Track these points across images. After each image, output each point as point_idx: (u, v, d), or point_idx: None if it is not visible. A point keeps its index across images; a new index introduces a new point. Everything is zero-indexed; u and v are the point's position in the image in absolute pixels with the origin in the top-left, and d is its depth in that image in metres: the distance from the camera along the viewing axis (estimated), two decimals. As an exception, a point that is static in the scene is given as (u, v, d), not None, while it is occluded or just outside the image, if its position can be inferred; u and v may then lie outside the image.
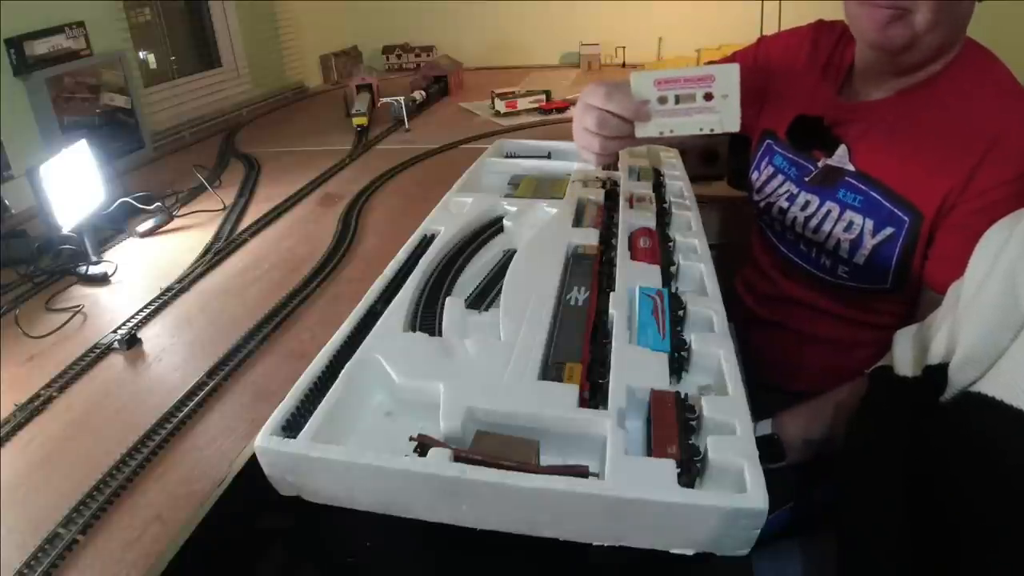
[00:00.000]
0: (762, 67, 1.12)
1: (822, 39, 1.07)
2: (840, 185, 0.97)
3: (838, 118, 0.99)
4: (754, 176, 1.12)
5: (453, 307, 0.75)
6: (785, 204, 1.04)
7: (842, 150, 0.97)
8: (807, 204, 1.01)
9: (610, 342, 0.66)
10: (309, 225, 1.37)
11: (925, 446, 0.65)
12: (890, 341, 0.77)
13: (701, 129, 0.83)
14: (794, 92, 1.06)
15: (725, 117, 0.82)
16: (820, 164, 0.99)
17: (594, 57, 2.93)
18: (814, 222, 0.99)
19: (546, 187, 1.11)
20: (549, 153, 1.32)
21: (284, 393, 0.61)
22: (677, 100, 0.83)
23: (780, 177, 1.06)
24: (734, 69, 0.81)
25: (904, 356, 0.74)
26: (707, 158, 1.67)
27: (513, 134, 2.00)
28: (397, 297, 0.76)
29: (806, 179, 1.01)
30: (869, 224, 0.93)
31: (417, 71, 2.78)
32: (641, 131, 0.85)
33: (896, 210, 0.91)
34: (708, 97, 0.82)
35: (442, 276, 0.83)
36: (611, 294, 0.73)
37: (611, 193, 1.04)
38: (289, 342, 0.96)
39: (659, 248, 0.84)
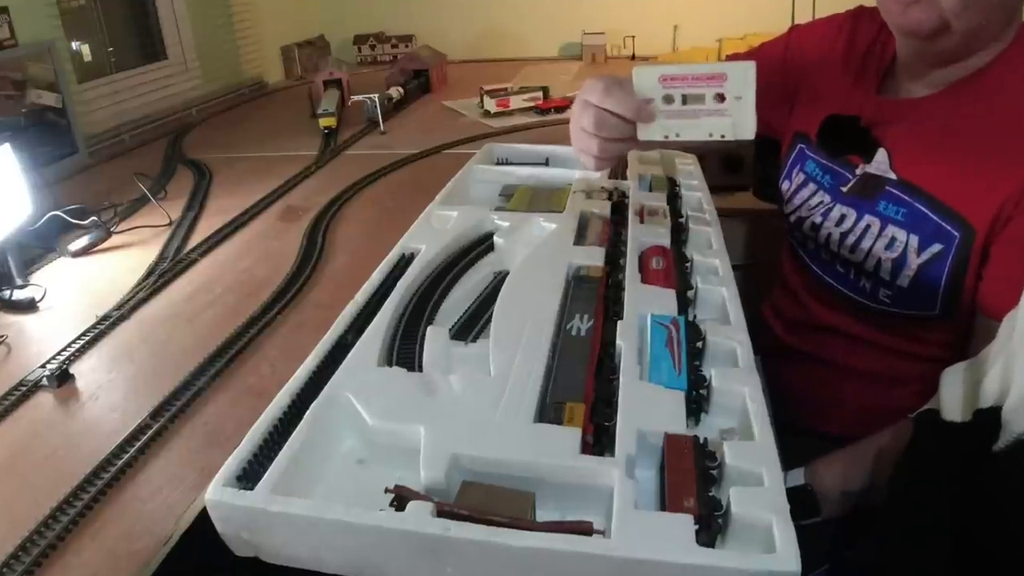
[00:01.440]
0: (794, 60, 1.14)
1: (861, 27, 1.08)
2: (880, 196, 0.98)
3: (877, 117, 1.00)
4: (784, 186, 1.14)
5: (436, 338, 0.76)
6: (819, 219, 1.05)
7: (881, 155, 0.98)
8: (843, 218, 1.02)
9: (617, 378, 0.67)
10: (269, 242, 1.38)
11: (976, 499, 0.65)
12: (938, 376, 0.78)
13: (711, 135, 0.84)
14: (829, 88, 1.08)
15: (738, 122, 0.83)
16: (858, 171, 1.01)
17: (599, 48, 2.96)
18: (851, 239, 1.01)
19: (543, 199, 1.12)
20: (547, 159, 1.33)
21: (240, 437, 0.61)
22: (684, 100, 0.83)
23: (812, 186, 1.08)
24: (749, 68, 0.81)
25: (953, 399, 0.74)
26: (730, 165, 1.69)
27: (505, 137, 2.02)
28: (371, 326, 0.76)
29: (842, 189, 1.03)
30: (914, 240, 0.94)
31: (394, 64, 2.80)
32: (644, 133, 0.86)
33: (944, 224, 0.92)
34: (720, 98, 0.82)
35: (423, 302, 0.84)
36: (619, 323, 0.74)
37: (619, 206, 1.05)
38: (246, 378, 0.96)
39: (674, 270, 0.85)
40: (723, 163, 1.69)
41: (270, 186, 1.67)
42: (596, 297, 0.81)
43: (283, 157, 1.91)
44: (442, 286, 0.88)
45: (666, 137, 0.85)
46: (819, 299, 1.11)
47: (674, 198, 1.08)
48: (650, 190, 1.11)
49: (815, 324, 1.12)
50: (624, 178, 1.16)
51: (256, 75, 2.86)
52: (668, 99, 0.84)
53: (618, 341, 0.72)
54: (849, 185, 1.02)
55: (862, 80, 1.05)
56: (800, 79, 1.13)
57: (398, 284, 0.85)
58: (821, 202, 1.06)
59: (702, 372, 0.68)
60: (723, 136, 0.83)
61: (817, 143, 1.08)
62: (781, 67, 1.15)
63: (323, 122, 2.09)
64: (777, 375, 1.14)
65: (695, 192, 1.09)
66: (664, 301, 0.78)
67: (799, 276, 1.16)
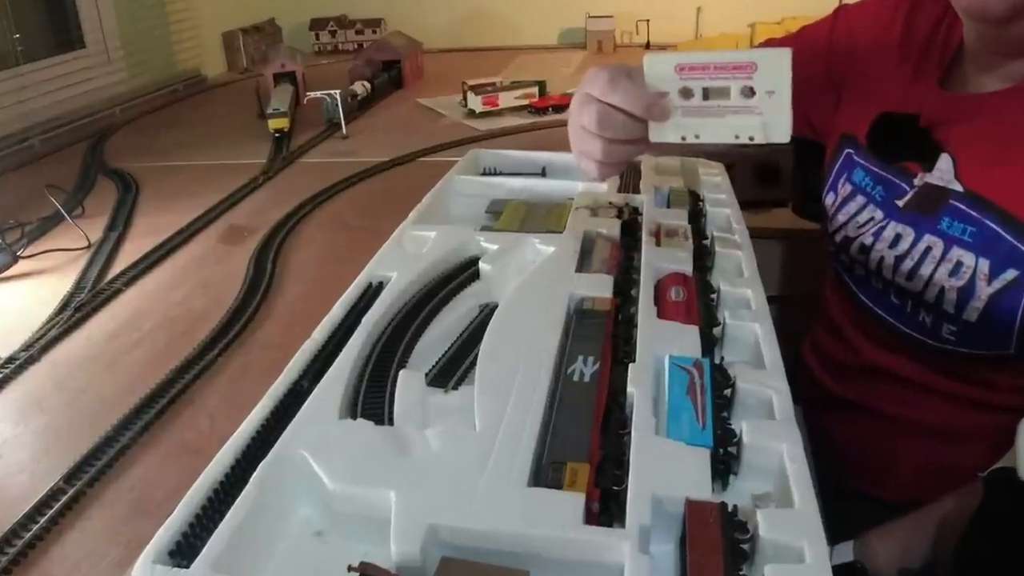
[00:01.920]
0: (841, 47, 1.14)
1: (922, 9, 1.08)
2: (943, 211, 0.98)
3: (940, 116, 1.00)
4: (828, 199, 1.14)
5: (410, 384, 0.76)
6: (869, 239, 1.06)
7: (945, 162, 0.98)
8: (898, 238, 1.02)
9: (629, 433, 0.67)
10: (208, 269, 1.38)
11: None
12: (1014, 428, 0.79)
13: (737, 136, 0.83)
14: (882, 81, 1.08)
15: (770, 121, 0.82)
16: (917, 182, 1.01)
17: (606, 35, 2.99)
18: (908, 263, 1.01)
19: (539, 216, 1.13)
20: (544, 169, 1.34)
21: (173, 504, 0.61)
22: (706, 94, 0.83)
23: (861, 199, 1.08)
24: (784, 56, 0.80)
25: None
26: (765, 175, 1.70)
27: (493, 142, 2.03)
28: (331, 370, 0.76)
29: (898, 202, 1.03)
30: (984, 265, 0.94)
31: (359, 54, 2.82)
32: (656, 133, 0.86)
33: (1021, 245, 0.92)
34: (748, 92, 0.82)
35: (394, 341, 0.84)
36: (630, 366, 0.74)
37: (630, 225, 1.06)
38: (180, 432, 0.96)
39: (697, 302, 0.85)
40: (756, 173, 1.70)
41: (210, 201, 1.67)
42: (603, 335, 0.81)
43: (225, 166, 1.92)
44: (417, 322, 0.88)
45: (683, 138, 0.85)
46: (869, 337, 1.12)
47: (697, 215, 1.08)
48: (668, 206, 1.12)
49: (865, 367, 1.12)
50: (637, 191, 1.16)
51: (193, 67, 2.88)
52: (686, 93, 0.83)
53: (629, 388, 0.72)
54: (906, 198, 1.02)
55: (922, 71, 1.05)
56: (848, 70, 1.13)
57: (364, 319, 0.85)
58: (872, 219, 1.06)
59: (731, 426, 0.68)
60: (752, 138, 0.83)
61: (867, 147, 1.08)
62: (826, 55, 1.15)
63: (273, 124, 2.11)
64: (820, 428, 1.15)
65: (722, 208, 1.10)
66: (685, 340, 0.78)
67: (845, 309, 1.16)
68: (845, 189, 1.11)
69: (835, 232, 1.12)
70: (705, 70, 0.82)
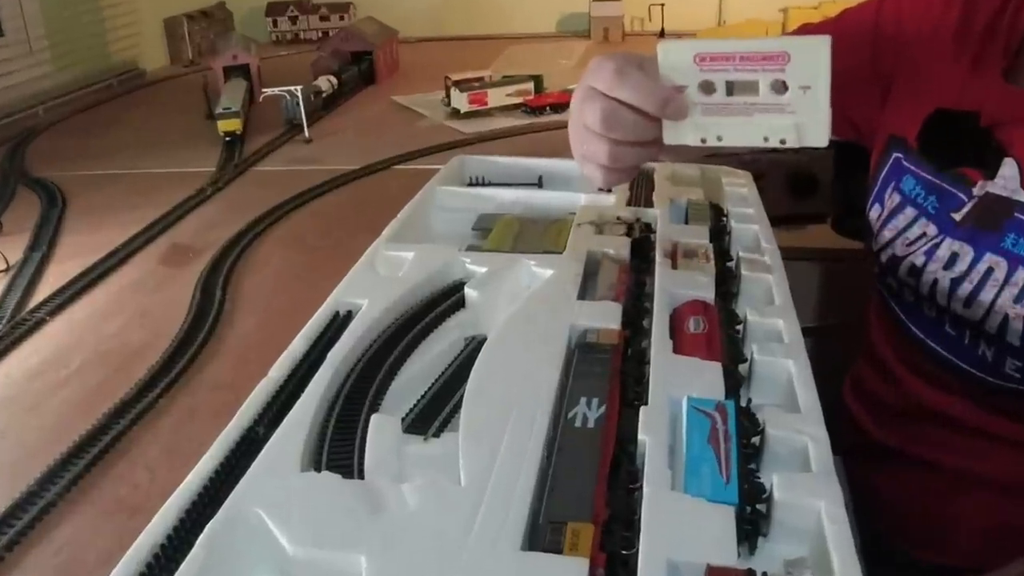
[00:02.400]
0: (888, 34, 1.14)
1: None
2: (1008, 226, 0.98)
3: (1003, 114, 1.00)
4: (873, 212, 1.14)
5: (383, 431, 0.76)
6: (920, 258, 1.06)
7: (1009, 167, 0.98)
8: (955, 258, 1.02)
9: (640, 488, 0.67)
10: (148, 296, 1.38)
11: None
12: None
13: (766, 139, 0.82)
14: (936, 73, 1.08)
15: (805, 123, 0.81)
16: (976, 191, 1.01)
17: (614, 22, 3.01)
18: (966, 287, 1.01)
19: (535, 234, 1.14)
20: (540, 178, 1.35)
21: (107, 571, 0.60)
22: (730, 89, 0.82)
23: (911, 211, 1.08)
24: (822, 45, 0.79)
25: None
26: (800, 185, 1.71)
27: (481, 147, 2.04)
28: (291, 414, 0.76)
29: (954, 215, 1.03)
30: (1055, 291, 0.95)
31: (324, 44, 2.83)
32: (672, 134, 0.85)
33: (1099, 268, 0.93)
34: (780, 87, 0.80)
35: (365, 380, 0.84)
36: (641, 409, 0.74)
37: (641, 244, 1.06)
38: (115, 487, 0.96)
39: (720, 334, 0.85)
40: (789, 183, 1.70)
41: (149, 216, 1.67)
42: (609, 373, 0.81)
43: (167, 175, 1.93)
44: (392, 358, 0.88)
45: (703, 141, 0.84)
46: (920, 374, 1.12)
47: (720, 233, 1.09)
48: (686, 222, 1.12)
49: (915, 410, 1.12)
50: (649, 204, 1.17)
51: (129, 59, 2.89)
52: (707, 87, 0.82)
53: (640, 435, 0.72)
54: (964, 211, 1.02)
55: (983, 62, 1.04)
56: (897, 61, 1.13)
57: (330, 355, 0.85)
58: (923, 235, 1.06)
59: (759, 479, 0.68)
60: (784, 142, 0.82)
61: (919, 150, 1.08)
62: (871, 43, 1.14)
63: (224, 125, 2.11)
64: (865, 483, 1.14)
65: (750, 224, 1.10)
66: (706, 379, 0.78)
67: (892, 342, 1.16)
68: (893, 200, 1.10)
69: (881, 250, 1.12)
70: (729, 60, 0.81)
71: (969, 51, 1.06)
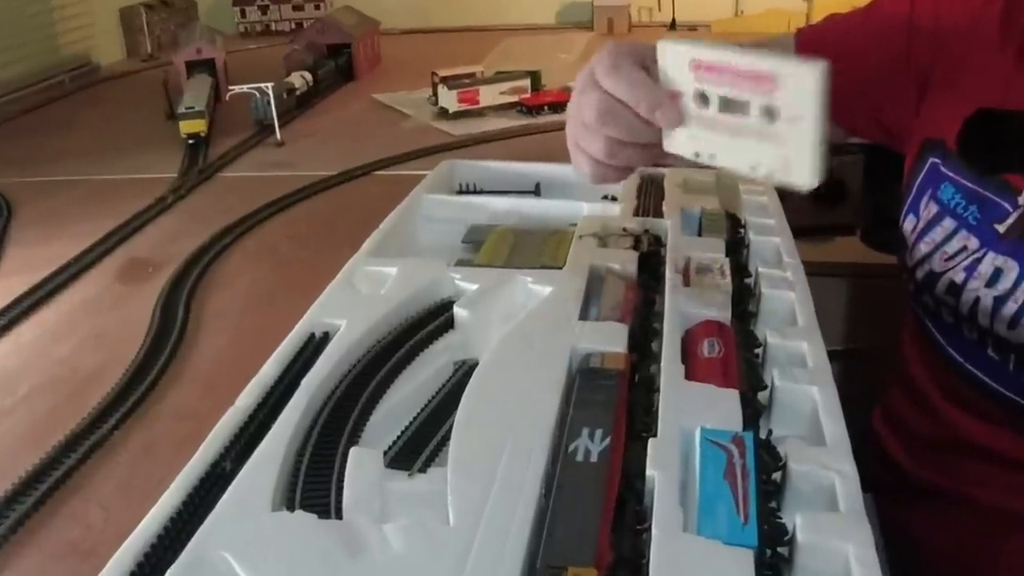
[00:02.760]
0: (924, 26, 1.14)
1: None
2: None
3: None
4: (908, 223, 1.14)
5: (364, 465, 0.76)
6: (960, 275, 1.06)
7: None
8: (998, 274, 1.02)
9: (649, 529, 0.67)
10: (103, 316, 1.38)
11: None
12: None
13: (753, 168, 0.81)
14: (977, 69, 1.08)
15: (794, 158, 0.79)
16: (1022, 200, 1.01)
17: (619, 11, 3.01)
18: (1011, 307, 1.01)
19: (532, 246, 1.14)
20: (537, 185, 1.35)
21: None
22: (725, 106, 0.81)
23: (950, 223, 1.08)
24: (813, 72, 0.75)
25: None
26: (825, 192, 1.71)
27: (472, 151, 2.04)
28: (261, 447, 0.76)
29: (997, 227, 1.03)
30: (1108, 312, 0.96)
31: (297, 36, 2.84)
32: (670, 142, 0.85)
33: None
34: (770, 114, 0.78)
35: (343, 409, 0.84)
36: (650, 442, 0.74)
37: (650, 258, 1.07)
38: (66, 528, 0.95)
39: (737, 359, 0.86)
40: (815, 191, 1.71)
41: (104, 227, 1.67)
42: (614, 402, 0.81)
43: (125, 181, 1.93)
44: (373, 384, 0.88)
45: (697, 155, 0.84)
46: (960, 403, 1.12)
47: (737, 246, 1.10)
48: (700, 234, 1.13)
49: (955, 443, 1.12)
50: (659, 214, 1.18)
51: (82, 53, 2.88)
52: (702, 99, 0.81)
53: (649, 471, 0.72)
54: (1008, 222, 1.02)
55: None
56: (934, 55, 1.12)
57: (304, 381, 0.85)
58: (963, 248, 1.06)
59: (781, 519, 0.68)
60: (770, 175, 0.80)
61: (958, 153, 1.07)
62: (905, 36, 1.14)
63: (186, 127, 2.11)
64: (896, 522, 1.14)
65: (770, 237, 1.11)
66: (721, 408, 0.78)
67: (928, 367, 1.16)
68: (930, 210, 1.10)
69: (916, 266, 1.12)
70: (724, 73, 0.79)
71: (1013, 45, 1.05)
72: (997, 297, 1.02)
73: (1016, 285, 1.00)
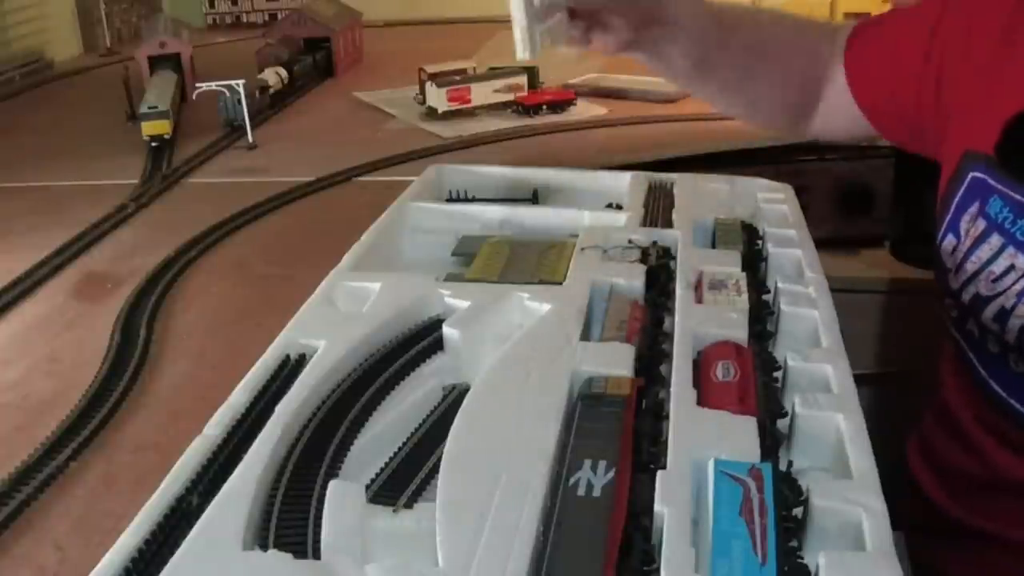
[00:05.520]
0: (949, 30, 1.15)
1: None
2: None
3: None
4: (947, 243, 1.14)
5: (344, 500, 0.76)
6: (1011, 300, 1.05)
7: None
8: None
9: (657, 570, 0.67)
10: (56, 337, 1.38)
11: None
12: None
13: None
14: (1009, 77, 1.09)
15: (516, 35, 1.06)
16: None
17: (623, 2, 3.02)
18: None
19: (529, 260, 1.14)
20: (535, 192, 1.35)
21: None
22: None
23: (997, 239, 1.07)
24: None
25: None
26: (851, 199, 1.70)
27: (463, 154, 2.05)
28: (231, 480, 0.76)
29: None
30: None
31: (271, 29, 2.84)
32: None
33: None
34: None
35: (321, 438, 0.84)
36: (659, 474, 0.74)
37: (658, 272, 1.07)
38: (15, 571, 0.95)
39: (755, 383, 0.86)
40: (840, 197, 1.70)
41: (58, 238, 1.67)
42: (619, 431, 0.81)
43: (80, 188, 1.93)
44: (354, 412, 0.89)
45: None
46: (1002, 440, 1.11)
47: (755, 259, 1.10)
48: (713, 245, 1.13)
49: (996, 480, 1.12)
50: (669, 224, 1.18)
51: (34, 47, 2.89)
52: None
53: (657, 506, 0.72)
54: None
55: None
56: (967, 53, 1.13)
57: (278, 408, 0.85)
58: (1012, 267, 1.04)
59: (802, 560, 0.68)
60: (520, 53, 1.06)
61: (999, 162, 1.07)
62: (928, 36, 1.15)
63: (149, 128, 2.11)
64: (931, 564, 1.14)
65: (791, 249, 1.11)
66: (737, 437, 0.78)
67: (968, 401, 1.16)
68: (977, 228, 1.09)
69: (961, 289, 1.11)
70: None
71: None
72: None
73: None
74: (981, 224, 1.09)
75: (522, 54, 1.06)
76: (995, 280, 1.06)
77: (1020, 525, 1.11)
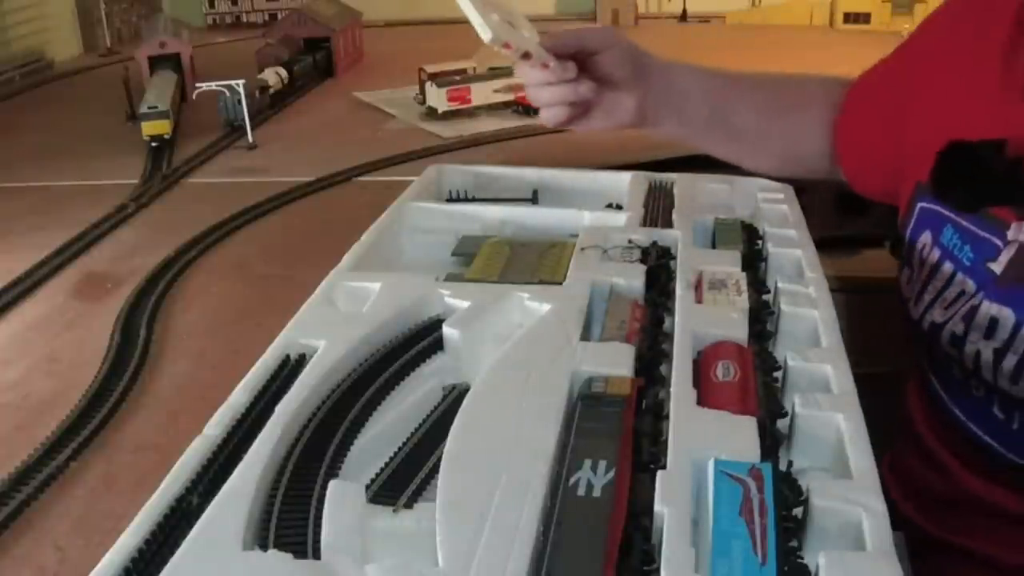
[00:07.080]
0: (913, 55, 1.18)
1: None
2: None
3: None
4: (904, 274, 1.14)
5: (344, 500, 0.76)
6: (960, 326, 1.05)
7: None
8: (995, 324, 1.01)
9: (657, 570, 0.67)
10: (57, 337, 1.38)
11: None
12: None
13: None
14: (952, 101, 1.09)
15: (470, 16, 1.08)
16: (1011, 235, 1.00)
17: (624, 2, 3.02)
18: (1011, 360, 1.00)
19: (529, 260, 1.14)
20: (535, 192, 1.35)
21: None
22: None
23: (948, 266, 1.07)
24: None
25: None
26: (851, 200, 1.70)
27: (463, 154, 2.05)
28: (231, 480, 0.76)
29: (992, 266, 1.01)
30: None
31: (271, 29, 2.84)
32: None
33: None
34: None
35: (321, 438, 0.84)
36: (659, 474, 0.74)
37: (658, 272, 1.07)
38: (16, 572, 0.95)
39: (755, 383, 0.86)
40: (839, 198, 1.70)
41: (58, 238, 1.67)
42: (619, 431, 0.81)
43: (81, 188, 1.93)
44: (354, 411, 0.89)
45: None
46: (966, 461, 1.11)
47: (755, 259, 1.10)
48: (713, 245, 1.13)
49: (964, 498, 1.12)
50: (669, 224, 1.18)
51: (35, 47, 2.89)
52: None
53: (657, 506, 0.72)
54: (1001, 259, 1.01)
55: (1007, 83, 1.04)
56: (918, 90, 1.15)
57: (278, 408, 0.85)
58: (962, 292, 1.05)
59: (802, 560, 0.68)
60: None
61: (933, 189, 1.05)
62: (904, 68, 1.18)
63: (149, 128, 2.12)
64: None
65: (791, 249, 1.11)
66: (737, 437, 0.78)
67: (934, 427, 1.16)
68: (932, 256, 1.10)
69: (919, 320, 1.11)
70: None
71: (990, 70, 1.06)
72: (996, 349, 1.01)
73: (1013, 335, 0.99)
74: (936, 253, 1.09)
75: (484, 37, 1.10)
76: (947, 306, 1.07)
77: (986, 539, 1.11)
